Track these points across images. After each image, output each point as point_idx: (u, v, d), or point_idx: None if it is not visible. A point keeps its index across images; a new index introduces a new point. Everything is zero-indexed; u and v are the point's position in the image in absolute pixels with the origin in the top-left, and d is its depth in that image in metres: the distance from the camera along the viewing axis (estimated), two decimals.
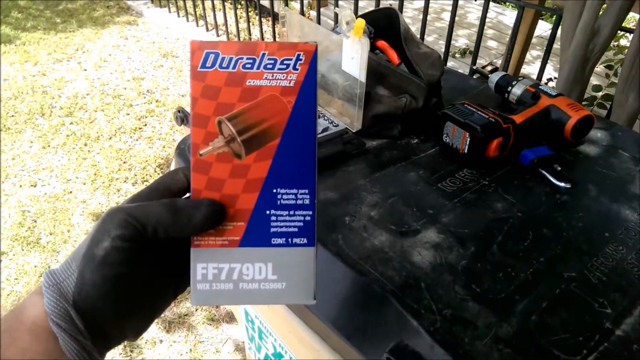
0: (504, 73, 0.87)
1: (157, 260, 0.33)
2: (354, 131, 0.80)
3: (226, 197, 0.33)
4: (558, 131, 0.74)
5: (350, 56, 0.75)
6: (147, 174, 2.16)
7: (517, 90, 0.82)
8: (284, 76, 0.32)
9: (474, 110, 0.68)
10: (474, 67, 1.02)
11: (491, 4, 2.01)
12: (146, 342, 1.49)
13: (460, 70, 1.07)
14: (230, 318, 1.57)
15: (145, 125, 2.51)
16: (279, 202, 0.33)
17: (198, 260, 0.33)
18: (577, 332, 0.47)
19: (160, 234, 0.30)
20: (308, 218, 0.33)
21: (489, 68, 2.73)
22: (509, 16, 3.52)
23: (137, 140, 2.40)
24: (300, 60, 0.32)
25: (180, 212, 0.31)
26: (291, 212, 0.33)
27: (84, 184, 2.12)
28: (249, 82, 0.32)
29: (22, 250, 1.81)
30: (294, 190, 0.33)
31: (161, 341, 1.49)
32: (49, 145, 2.35)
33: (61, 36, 3.44)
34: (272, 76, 0.32)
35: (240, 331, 1.52)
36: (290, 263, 0.33)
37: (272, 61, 0.32)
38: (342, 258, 0.54)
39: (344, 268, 0.53)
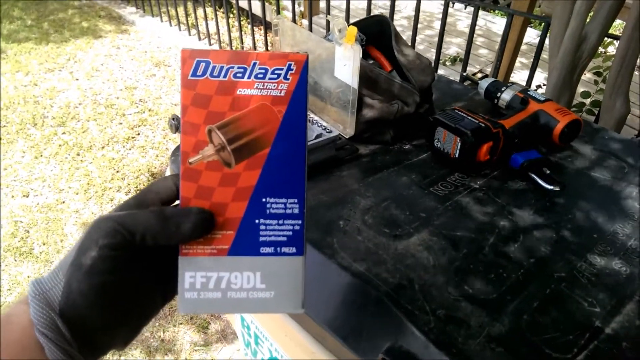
0: (493, 79, 0.89)
1: (145, 268, 0.33)
2: (346, 137, 0.81)
3: (215, 206, 0.33)
4: (547, 135, 0.76)
5: (343, 63, 0.76)
6: (140, 183, 2.16)
7: (506, 95, 0.83)
8: (274, 86, 0.33)
9: (464, 115, 0.70)
10: (464, 74, 1.03)
11: (481, 12, 2.05)
12: None
13: (451, 78, 1.09)
14: (219, 338, 1.57)
15: (138, 134, 2.51)
16: (268, 211, 0.33)
17: (186, 268, 0.33)
18: (568, 330, 0.48)
19: (149, 242, 0.30)
20: (297, 227, 0.33)
21: (479, 75, 2.76)
22: (498, 24, 3.57)
23: (130, 149, 2.40)
24: (292, 70, 0.33)
25: (168, 220, 0.31)
26: (280, 222, 0.33)
27: (77, 193, 2.11)
28: (240, 91, 0.32)
29: (15, 260, 1.80)
30: (284, 200, 0.33)
31: None
32: (41, 155, 2.34)
33: (52, 46, 3.44)
34: (263, 85, 0.33)
35: (230, 350, 1.52)
36: (279, 272, 0.33)
37: (263, 71, 0.33)
38: (336, 261, 0.55)
39: (339, 270, 0.54)
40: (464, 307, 0.50)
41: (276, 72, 0.33)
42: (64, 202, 2.07)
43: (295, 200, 0.33)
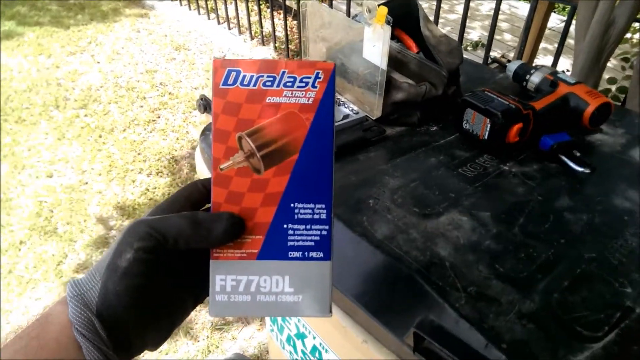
0: (522, 62, 0.88)
1: (178, 271, 0.34)
2: (373, 119, 0.81)
3: (245, 211, 0.34)
4: (576, 118, 0.75)
5: (372, 44, 0.76)
6: (161, 166, 2.19)
7: (535, 78, 0.83)
8: (302, 94, 0.33)
9: (494, 97, 0.69)
10: (492, 57, 1.02)
11: None
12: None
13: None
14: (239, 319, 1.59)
15: (159, 117, 2.54)
16: (296, 216, 0.34)
17: (217, 272, 0.34)
18: (598, 309, 0.48)
19: (181, 245, 0.31)
20: (324, 232, 0.34)
21: (502, 61, 2.72)
22: (521, 9, 3.50)
23: (150, 132, 2.43)
24: (319, 78, 0.33)
25: (200, 225, 0.32)
26: (308, 227, 0.34)
27: (100, 175, 2.15)
28: (269, 99, 0.33)
29: (40, 239, 1.85)
30: (311, 205, 0.34)
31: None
32: (64, 137, 2.39)
33: (74, 29, 3.47)
34: (292, 93, 0.33)
35: (250, 330, 1.54)
36: (307, 276, 0.34)
37: (292, 79, 0.33)
38: (367, 238, 0.56)
39: (369, 248, 0.55)
40: (495, 285, 0.50)
41: (304, 80, 0.33)
42: (86, 183, 2.11)
43: (323, 206, 0.34)
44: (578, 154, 0.69)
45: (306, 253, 0.34)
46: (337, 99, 0.84)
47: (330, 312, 0.35)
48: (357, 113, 0.81)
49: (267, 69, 0.33)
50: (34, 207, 1.99)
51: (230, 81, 0.33)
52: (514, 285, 0.50)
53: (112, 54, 3.16)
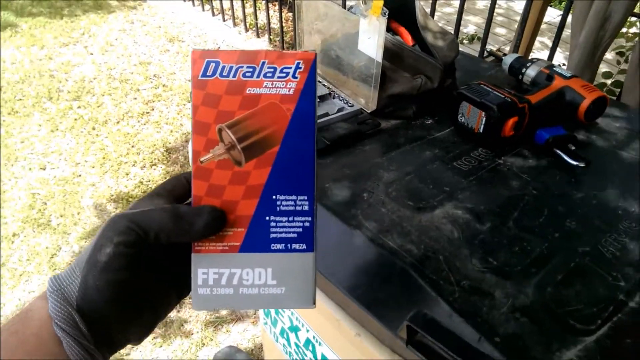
0: (518, 55, 0.87)
1: (160, 265, 0.33)
2: (368, 111, 0.80)
3: (226, 204, 0.33)
4: (572, 112, 0.75)
5: (367, 36, 0.75)
6: (155, 158, 2.18)
7: (531, 71, 0.82)
8: (283, 84, 0.33)
9: (490, 90, 0.69)
10: (488, 50, 1.02)
11: None
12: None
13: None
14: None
15: (153, 109, 2.52)
16: (278, 208, 0.34)
17: (199, 265, 0.33)
18: (592, 303, 0.48)
19: (162, 240, 0.31)
20: (307, 224, 0.34)
21: (498, 54, 2.72)
22: (518, 3, 3.49)
23: (144, 124, 2.41)
24: (300, 68, 0.33)
25: (182, 219, 0.31)
26: (290, 218, 0.34)
27: (93, 167, 2.13)
28: (249, 90, 0.33)
29: (33, 232, 1.84)
30: (293, 197, 0.34)
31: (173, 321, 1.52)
32: (57, 129, 2.37)
33: (67, 20, 3.43)
34: (272, 84, 0.33)
35: (242, 326, 1.54)
36: (290, 268, 0.34)
37: (272, 69, 0.33)
38: (361, 231, 0.56)
39: (363, 241, 0.55)
40: (489, 278, 0.50)
41: (285, 70, 0.33)
42: (80, 175, 2.10)
43: (305, 197, 0.34)
44: (573, 148, 0.68)
45: (289, 245, 0.34)
46: (332, 91, 0.84)
47: (314, 303, 0.34)
48: (352, 106, 0.80)
49: (246, 60, 0.33)
50: (27, 199, 1.97)
51: (209, 72, 0.33)
52: (507, 279, 0.50)
53: (106, 45, 3.12)
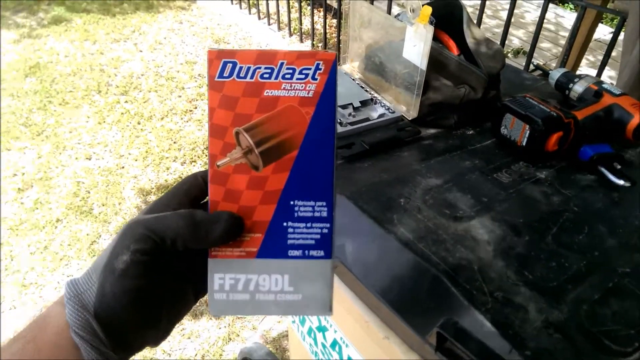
0: (565, 70, 0.86)
1: (177, 269, 0.33)
2: (409, 119, 0.81)
3: (243, 209, 0.33)
4: (620, 130, 0.73)
5: (413, 44, 0.76)
6: (195, 155, 2.24)
7: (579, 87, 0.81)
8: (302, 86, 0.32)
9: (535, 103, 0.68)
10: (534, 64, 1.00)
11: (550, 4, 1.94)
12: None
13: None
14: None
15: (196, 108, 2.59)
16: (296, 214, 0.33)
17: (215, 270, 0.33)
18: (629, 325, 0.47)
19: (179, 246, 0.31)
20: (325, 230, 0.33)
21: (545, 68, 2.66)
22: (567, 18, 3.40)
23: (187, 122, 2.48)
24: (320, 69, 0.32)
25: (198, 226, 0.31)
26: (308, 225, 0.33)
27: (136, 160, 2.21)
28: (267, 92, 0.32)
29: (76, 218, 1.92)
30: (312, 203, 0.33)
31: (202, 313, 1.55)
32: (104, 122, 2.47)
33: (119, 17, 3.58)
34: (291, 86, 0.32)
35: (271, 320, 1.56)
36: (307, 275, 0.33)
37: (291, 71, 0.32)
38: (396, 236, 0.56)
39: (398, 245, 0.55)
40: (523, 292, 0.50)
41: (304, 72, 0.32)
42: (123, 167, 2.18)
43: (324, 203, 0.33)
44: (619, 167, 0.67)
45: (306, 251, 0.33)
46: (374, 97, 0.84)
47: (331, 310, 0.34)
48: (393, 112, 0.81)
49: (264, 60, 0.32)
50: (72, 187, 2.06)
51: (226, 73, 0.32)
52: (542, 294, 0.50)
53: (155, 43, 3.24)
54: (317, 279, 0.33)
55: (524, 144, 0.67)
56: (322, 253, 0.33)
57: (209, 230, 0.31)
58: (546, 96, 0.89)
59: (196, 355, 1.44)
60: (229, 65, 0.32)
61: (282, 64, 0.32)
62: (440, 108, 0.79)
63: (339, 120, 0.77)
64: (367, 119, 0.79)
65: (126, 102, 2.63)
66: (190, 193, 0.35)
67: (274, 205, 0.33)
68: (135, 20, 3.55)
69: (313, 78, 0.32)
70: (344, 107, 0.81)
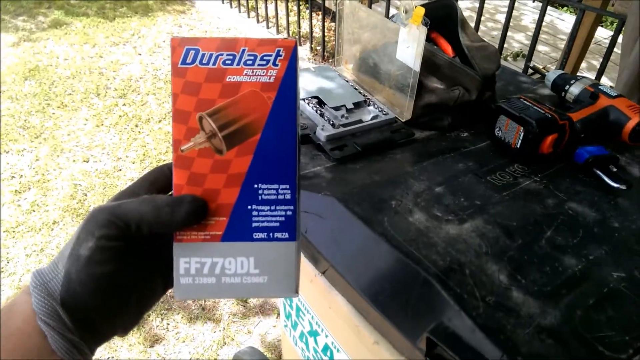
0: (561, 71, 0.85)
1: (144, 255, 0.33)
2: (403, 121, 0.80)
3: (208, 192, 0.33)
4: (616, 133, 0.72)
5: (406, 45, 0.75)
6: None
7: (575, 89, 0.80)
8: (264, 72, 0.33)
9: (530, 104, 0.67)
10: (531, 65, 1.00)
11: (549, 7, 1.93)
12: (174, 334, 1.54)
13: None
14: (257, 312, 1.60)
15: None
16: (260, 197, 0.33)
17: (181, 254, 0.33)
18: (625, 331, 0.46)
19: (144, 231, 0.31)
20: (289, 213, 0.33)
21: (542, 70, 2.65)
22: (566, 21, 3.40)
23: None
24: (280, 56, 0.33)
25: (162, 209, 0.31)
26: (272, 207, 0.33)
27: (133, 162, 2.21)
28: (229, 78, 0.33)
29: (72, 220, 1.91)
30: (275, 186, 0.33)
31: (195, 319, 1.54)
32: (102, 124, 2.46)
33: (119, 21, 3.58)
34: (252, 72, 0.33)
35: (267, 324, 1.55)
36: (272, 257, 0.33)
37: (252, 57, 0.33)
38: (386, 238, 0.55)
39: (388, 248, 0.54)
40: (515, 296, 0.49)
41: (265, 58, 0.33)
42: (120, 169, 2.17)
43: (287, 186, 0.33)
44: (614, 169, 0.66)
45: (271, 234, 0.33)
46: (368, 98, 0.84)
47: (297, 292, 0.34)
48: (386, 114, 0.80)
49: (226, 47, 0.32)
50: (69, 189, 2.05)
51: (189, 60, 0.32)
52: (535, 298, 0.49)
53: (154, 46, 3.24)
54: (282, 261, 0.34)
55: (518, 146, 0.66)
56: (286, 235, 0.34)
57: (172, 213, 0.31)
58: (543, 98, 0.88)
59: (190, 358, 1.43)
60: (192, 52, 0.32)
61: (243, 50, 0.33)
62: (434, 110, 0.78)
63: (331, 122, 0.76)
64: (360, 121, 0.78)
65: (124, 104, 2.62)
66: (157, 183, 0.35)
67: (237, 188, 0.33)
68: (135, 24, 3.55)
69: (274, 64, 0.33)
70: (337, 108, 0.80)
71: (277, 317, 1.54)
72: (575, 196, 0.63)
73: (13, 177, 2.12)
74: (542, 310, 0.47)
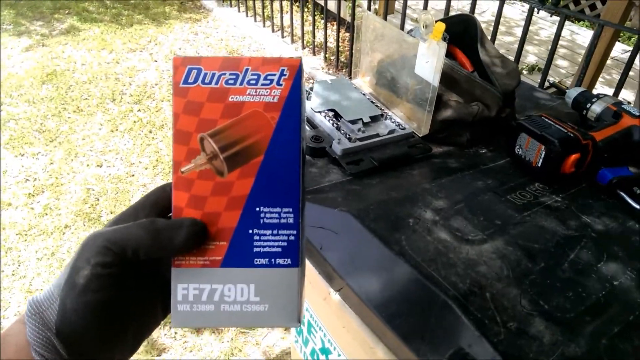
0: (583, 89, 0.83)
1: (143, 281, 0.32)
2: (420, 135, 0.79)
3: (208, 216, 0.32)
4: None
5: (425, 59, 0.74)
6: None
7: (597, 107, 0.78)
8: (267, 92, 0.32)
9: (552, 123, 0.66)
10: (550, 82, 0.98)
11: (566, 22, 1.91)
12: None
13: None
14: None
15: None
16: (262, 220, 0.32)
17: (179, 280, 0.32)
18: None
19: (141, 256, 0.30)
20: (292, 238, 0.32)
21: (561, 86, 2.63)
22: (582, 35, 3.37)
23: None
24: (285, 75, 0.32)
25: (160, 233, 0.30)
26: (275, 232, 0.32)
27: (146, 168, 2.22)
28: (232, 97, 0.32)
29: (84, 225, 1.92)
30: (278, 209, 0.32)
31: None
32: (116, 129, 2.48)
33: (136, 28, 3.63)
34: (255, 92, 0.32)
35: (275, 336, 1.53)
36: (274, 284, 0.32)
37: (256, 76, 0.32)
38: (404, 258, 0.54)
39: (406, 268, 0.53)
40: (538, 322, 0.47)
41: (269, 77, 0.32)
42: (133, 175, 2.18)
43: (290, 210, 0.32)
44: (639, 192, 0.64)
45: (273, 260, 0.32)
46: (384, 112, 0.83)
47: (299, 321, 0.32)
48: (403, 129, 0.79)
49: (229, 67, 0.32)
50: (82, 193, 2.07)
51: (191, 79, 0.32)
52: (558, 325, 0.47)
53: (170, 53, 3.27)
54: (284, 289, 0.32)
55: (539, 164, 0.65)
56: (288, 261, 0.32)
57: (171, 238, 0.30)
58: (562, 115, 0.86)
59: None
60: (194, 72, 0.32)
61: (247, 70, 0.32)
62: (452, 125, 0.77)
63: (347, 136, 0.75)
64: (377, 135, 0.77)
65: (139, 110, 2.64)
66: (157, 205, 0.33)
67: (239, 211, 0.32)
68: (152, 31, 3.59)
69: (278, 84, 0.32)
70: (354, 122, 0.79)
71: (284, 330, 1.53)
72: (598, 218, 0.61)
73: (27, 180, 2.14)
74: (565, 338, 0.46)
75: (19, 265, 1.74)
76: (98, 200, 2.04)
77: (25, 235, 1.86)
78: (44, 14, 3.75)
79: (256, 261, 0.32)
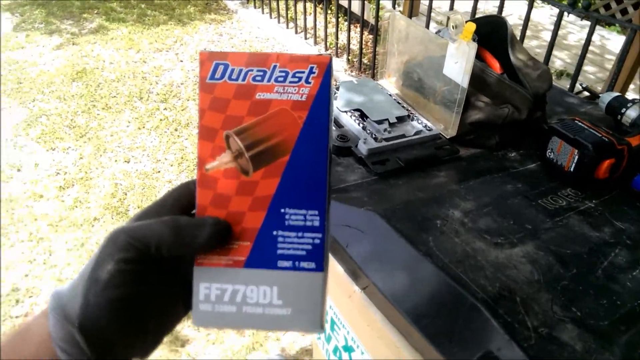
0: (617, 94, 0.81)
1: (164, 277, 0.32)
2: (448, 137, 0.78)
3: (232, 215, 0.31)
4: None
5: (454, 60, 0.74)
6: None
7: (632, 112, 0.76)
8: (295, 90, 0.31)
9: (585, 127, 0.65)
10: (583, 85, 0.96)
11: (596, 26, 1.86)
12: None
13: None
14: None
15: None
16: (286, 222, 0.31)
17: (201, 279, 0.31)
18: None
19: (164, 253, 0.29)
20: (317, 241, 0.31)
21: (595, 90, 2.57)
22: (612, 40, 3.29)
23: None
24: (314, 73, 0.31)
25: (183, 231, 0.30)
26: (299, 234, 0.31)
27: (172, 165, 2.25)
28: (259, 95, 0.31)
29: (112, 218, 1.96)
30: (303, 211, 0.31)
31: None
32: (143, 127, 2.53)
33: (163, 28, 3.69)
34: (283, 89, 0.31)
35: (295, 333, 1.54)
36: (297, 288, 0.31)
37: (284, 74, 0.31)
38: (431, 259, 0.53)
39: (433, 269, 0.53)
40: (570, 329, 0.46)
41: (297, 75, 0.31)
42: (159, 171, 2.22)
43: (316, 212, 0.31)
44: None
45: (297, 263, 0.31)
46: (411, 113, 0.82)
47: (322, 328, 0.31)
48: (430, 130, 0.79)
49: (257, 63, 0.31)
50: (110, 188, 2.11)
51: (217, 75, 0.31)
52: (591, 333, 0.46)
53: (195, 54, 3.31)
54: (308, 293, 0.31)
55: (571, 169, 0.64)
56: (313, 265, 0.31)
57: (194, 236, 0.30)
58: (595, 120, 0.84)
59: None
60: (221, 67, 0.31)
61: (274, 66, 0.31)
62: (481, 127, 0.76)
63: (373, 136, 0.75)
64: (403, 135, 0.77)
65: (165, 109, 2.69)
66: (181, 202, 0.33)
67: (263, 212, 0.31)
68: (178, 31, 3.65)
69: (307, 82, 0.31)
70: (380, 122, 0.79)
71: None
72: (633, 225, 0.59)
73: (58, 173, 2.19)
74: (599, 346, 0.45)
75: (50, 255, 1.79)
76: (125, 194, 2.08)
77: (56, 226, 1.92)
78: (73, 13, 3.85)
79: (280, 263, 0.31)
